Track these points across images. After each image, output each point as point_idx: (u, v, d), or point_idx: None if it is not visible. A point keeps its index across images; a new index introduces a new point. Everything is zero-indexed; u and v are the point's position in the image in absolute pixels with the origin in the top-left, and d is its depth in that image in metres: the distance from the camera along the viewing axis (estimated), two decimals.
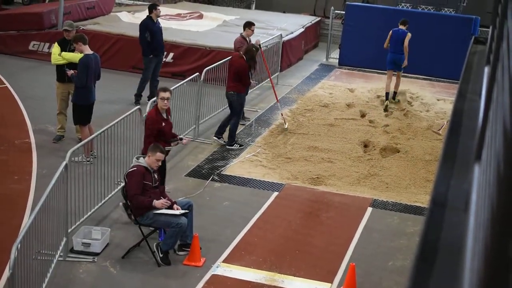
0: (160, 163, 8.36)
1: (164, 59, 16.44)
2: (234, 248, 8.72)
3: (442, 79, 18.39)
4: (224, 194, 10.34)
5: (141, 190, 8.09)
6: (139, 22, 14.56)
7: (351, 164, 11.82)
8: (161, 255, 8.17)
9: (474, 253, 2.08)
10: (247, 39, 13.57)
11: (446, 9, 21.13)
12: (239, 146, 12.22)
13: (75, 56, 11.07)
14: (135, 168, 8.14)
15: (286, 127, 13.29)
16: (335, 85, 17.08)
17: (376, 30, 18.81)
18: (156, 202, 8.10)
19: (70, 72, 10.85)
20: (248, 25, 13.62)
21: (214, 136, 12.36)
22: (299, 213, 9.88)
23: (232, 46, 16.32)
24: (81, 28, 16.61)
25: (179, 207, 8.28)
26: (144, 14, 14.78)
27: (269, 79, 14.73)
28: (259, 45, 13.66)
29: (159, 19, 14.56)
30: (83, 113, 10.95)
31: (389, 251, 8.97)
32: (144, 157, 8.29)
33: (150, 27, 14.11)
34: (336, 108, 14.88)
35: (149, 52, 14.16)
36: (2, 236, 8.43)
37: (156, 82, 14.40)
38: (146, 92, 14.35)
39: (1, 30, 17.53)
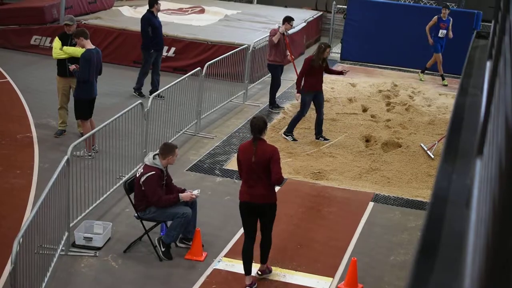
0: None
1: (165, 54, 16.47)
2: (235, 243, 8.72)
3: (444, 74, 18.35)
4: (226, 188, 10.34)
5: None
6: (140, 17, 14.55)
7: (352, 158, 11.82)
8: (163, 249, 8.18)
9: (476, 248, 2.08)
10: (285, 32, 13.93)
11: (448, 3, 21.08)
12: (293, 140, 12.38)
13: (76, 51, 11.06)
14: (154, 172, 8.09)
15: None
16: (336, 80, 17.04)
17: (378, 24, 18.80)
18: (182, 195, 8.22)
19: (72, 67, 10.85)
20: (289, 20, 13.91)
21: (319, 137, 12.59)
22: (300, 208, 9.88)
23: (233, 40, 16.36)
24: (82, 23, 16.60)
25: (190, 190, 8.44)
26: (146, 8, 14.74)
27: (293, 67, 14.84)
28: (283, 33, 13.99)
29: (158, 15, 14.55)
30: (85, 108, 10.95)
31: (390, 245, 8.98)
32: (158, 156, 8.25)
33: (152, 21, 14.11)
34: (337, 103, 14.86)
35: (150, 46, 14.15)
36: (4, 230, 8.45)
37: (158, 76, 14.42)
38: (148, 87, 14.34)
39: (3, 25, 17.53)
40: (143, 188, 8.10)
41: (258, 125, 7.48)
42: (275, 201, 7.59)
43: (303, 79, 12.34)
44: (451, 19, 17.25)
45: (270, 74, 14.39)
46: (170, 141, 11.43)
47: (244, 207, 7.60)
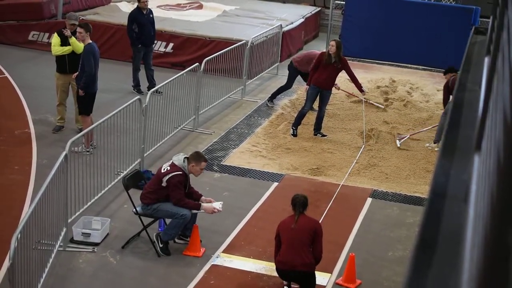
0: (202, 172, 8.47)
1: (164, 49, 16.45)
2: (234, 239, 8.74)
3: (442, 70, 18.30)
4: (224, 184, 10.34)
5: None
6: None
7: (351, 154, 11.82)
8: (161, 245, 8.18)
9: (474, 243, 2.08)
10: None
11: None
12: (293, 135, 12.39)
13: (79, 46, 11.10)
14: (180, 173, 8.12)
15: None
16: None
17: (377, 20, 18.77)
18: (204, 207, 8.23)
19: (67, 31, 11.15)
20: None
21: (316, 133, 12.61)
22: None
23: (232, 36, 16.34)
24: (80, 18, 16.56)
25: (211, 200, 8.43)
26: None
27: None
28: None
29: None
30: (90, 102, 10.97)
31: (388, 241, 8.99)
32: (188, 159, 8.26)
33: (138, 18, 14.09)
34: (336, 99, 14.85)
35: (137, 42, 14.14)
36: (2, 226, 8.44)
37: (151, 71, 14.39)
38: (145, 83, 14.33)
39: (1, 20, 17.48)
40: (162, 185, 8.11)
41: (303, 202, 7.44)
42: (314, 270, 7.43)
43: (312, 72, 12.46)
44: None
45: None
46: (168, 136, 11.46)
47: (281, 274, 7.50)
